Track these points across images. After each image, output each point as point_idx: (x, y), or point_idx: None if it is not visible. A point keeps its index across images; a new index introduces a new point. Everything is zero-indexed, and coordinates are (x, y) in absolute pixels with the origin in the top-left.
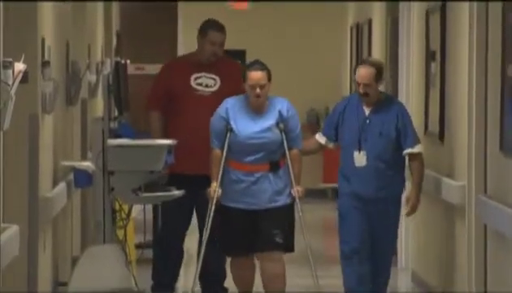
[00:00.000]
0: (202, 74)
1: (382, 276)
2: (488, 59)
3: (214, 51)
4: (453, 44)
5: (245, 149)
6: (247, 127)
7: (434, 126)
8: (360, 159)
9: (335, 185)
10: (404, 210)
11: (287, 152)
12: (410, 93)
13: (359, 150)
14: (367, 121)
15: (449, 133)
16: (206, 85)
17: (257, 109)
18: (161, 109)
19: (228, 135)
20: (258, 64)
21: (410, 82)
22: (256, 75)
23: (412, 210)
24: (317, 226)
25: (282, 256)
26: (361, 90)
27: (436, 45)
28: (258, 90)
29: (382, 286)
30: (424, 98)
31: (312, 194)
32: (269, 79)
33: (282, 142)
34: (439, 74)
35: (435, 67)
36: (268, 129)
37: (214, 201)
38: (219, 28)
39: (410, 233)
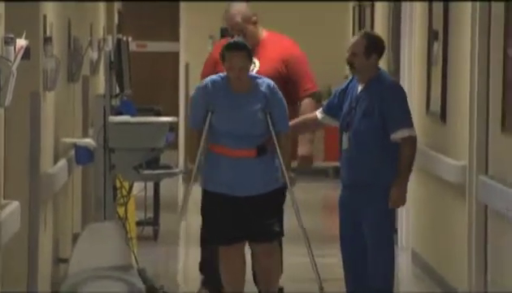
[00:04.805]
0: None
1: (375, 271)
2: (491, 39)
3: (235, 34)
4: (456, 24)
5: (230, 133)
6: (231, 109)
7: (436, 106)
8: (345, 140)
9: (336, 164)
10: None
11: (274, 136)
12: (412, 72)
13: (346, 131)
14: (356, 100)
15: (450, 112)
16: None
17: (239, 89)
18: None
19: (210, 115)
20: (237, 44)
21: (412, 62)
22: (234, 56)
23: (393, 202)
24: (318, 206)
25: (278, 247)
26: (347, 59)
27: (438, 25)
28: (237, 72)
29: (378, 281)
30: (426, 77)
31: (313, 173)
32: (250, 59)
33: (268, 126)
34: (441, 54)
35: (437, 46)
36: (254, 114)
37: (191, 183)
38: (229, 12)
39: (410, 213)
